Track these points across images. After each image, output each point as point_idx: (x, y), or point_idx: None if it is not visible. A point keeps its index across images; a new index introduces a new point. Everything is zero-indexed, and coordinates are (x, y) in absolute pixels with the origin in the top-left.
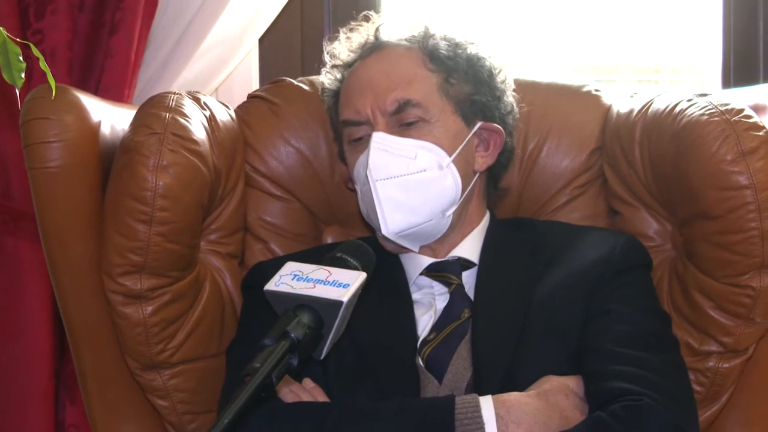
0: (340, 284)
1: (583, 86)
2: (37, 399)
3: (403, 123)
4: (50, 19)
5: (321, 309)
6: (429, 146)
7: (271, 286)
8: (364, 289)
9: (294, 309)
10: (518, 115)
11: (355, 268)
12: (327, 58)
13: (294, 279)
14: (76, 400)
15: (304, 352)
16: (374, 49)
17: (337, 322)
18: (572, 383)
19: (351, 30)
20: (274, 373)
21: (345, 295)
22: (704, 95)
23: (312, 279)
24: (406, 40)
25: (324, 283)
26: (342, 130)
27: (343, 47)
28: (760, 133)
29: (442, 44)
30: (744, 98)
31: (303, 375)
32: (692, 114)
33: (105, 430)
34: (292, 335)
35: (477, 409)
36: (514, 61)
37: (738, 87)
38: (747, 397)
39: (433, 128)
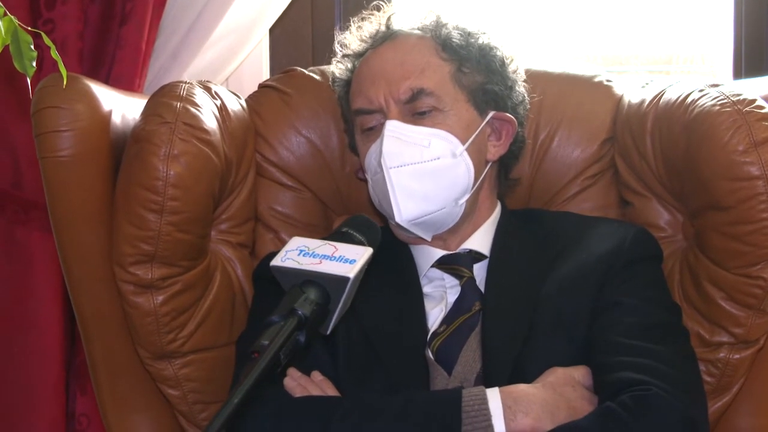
0: (347, 260)
1: (595, 76)
2: (47, 389)
3: (416, 112)
4: (61, 10)
5: (328, 285)
6: (443, 134)
7: (277, 261)
8: (374, 281)
9: (301, 285)
10: (529, 105)
11: (361, 243)
12: (337, 47)
13: (300, 254)
14: (87, 389)
15: (312, 328)
16: (386, 38)
17: (343, 298)
18: (578, 374)
19: (362, 20)
20: (283, 350)
21: (352, 271)
22: (716, 86)
23: (318, 254)
24: (418, 29)
25: (330, 259)
26: (354, 120)
27: (354, 37)
28: None
29: (455, 33)
30: (756, 89)
31: (312, 368)
32: (704, 104)
33: (115, 420)
34: (300, 312)
35: (484, 401)
36: (526, 52)
37: (749, 78)
38: (758, 388)
39: (447, 117)
